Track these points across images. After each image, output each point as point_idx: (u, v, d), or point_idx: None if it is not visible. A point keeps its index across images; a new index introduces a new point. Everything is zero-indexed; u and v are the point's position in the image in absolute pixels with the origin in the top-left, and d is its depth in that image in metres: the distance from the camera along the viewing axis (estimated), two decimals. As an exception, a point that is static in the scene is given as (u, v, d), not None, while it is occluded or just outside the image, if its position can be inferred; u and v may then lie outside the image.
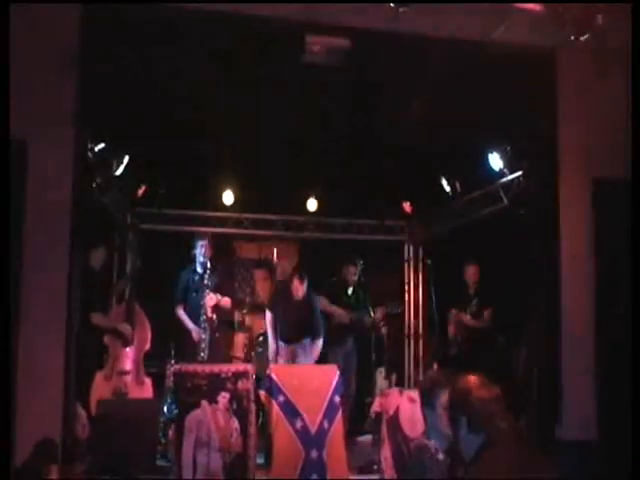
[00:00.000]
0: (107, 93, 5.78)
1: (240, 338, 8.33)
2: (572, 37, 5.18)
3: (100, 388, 6.59)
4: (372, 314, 7.97)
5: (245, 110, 6.91)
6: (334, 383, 6.21)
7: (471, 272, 7.97)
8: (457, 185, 8.46)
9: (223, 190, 9.04)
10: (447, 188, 8.53)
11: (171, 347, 6.84)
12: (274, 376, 6.07)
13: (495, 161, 7.45)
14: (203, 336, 7.21)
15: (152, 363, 7.14)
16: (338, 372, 6.43)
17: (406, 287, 10.06)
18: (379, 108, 6.93)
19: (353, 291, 8.26)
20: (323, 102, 6.84)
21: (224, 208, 9.26)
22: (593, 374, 5.79)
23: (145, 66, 6.02)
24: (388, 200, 9.44)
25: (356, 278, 8.21)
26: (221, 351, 7.57)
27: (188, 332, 7.42)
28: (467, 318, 7.85)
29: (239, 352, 8.14)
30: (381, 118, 7.14)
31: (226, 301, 7.57)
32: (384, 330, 7.96)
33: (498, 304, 7.67)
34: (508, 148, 7.25)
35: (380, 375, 8.22)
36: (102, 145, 6.87)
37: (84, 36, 5.23)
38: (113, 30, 5.38)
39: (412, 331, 9.93)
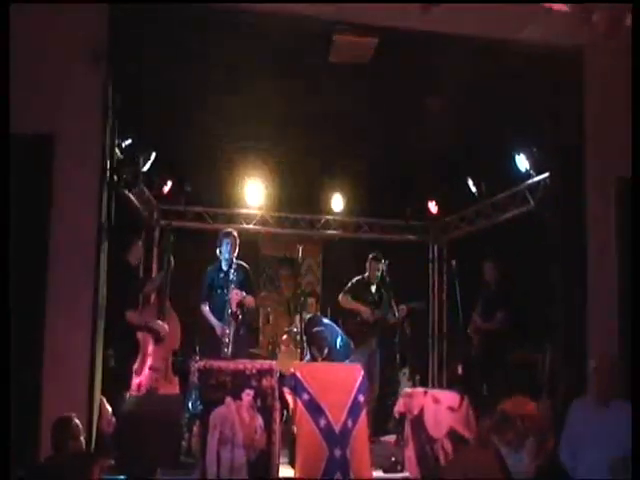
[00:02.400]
0: (135, 89, 5.87)
1: (264, 335, 8.34)
2: (600, 37, 5.11)
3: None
4: (396, 312, 7.91)
5: (272, 108, 6.95)
6: (358, 382, 6.13)
7: (489, 272, 7.90)
8: (483, 186, 8.40)
9: (249, 188, 9.06)
10: (473, 189, 8.48)
11: (196, 343, 6.83)
12: (298, 374, 6.01)
13: (521, 162, 7.40)
14: (227, 331, 7.18)
15: (177, 359, 7.17)
16: (362, 371, 6.37)
17: (430, 287, 10.05)
18: (405, 108, 6.91)
19: (376, 289, 8.22)
20: (349, 101, 6.85)
21: (250, 206, 9.31)
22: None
23: (173, 63, 6.08)
24: (413, 200, 9.48)
25: (379, 276, 8.15)
26: (245, 348, 7.55)
27: (212, 328, 7.39)
28: (478, 320, 7.80)
29: (263, 349, 8.16)
30: (407, 118, 7.13)
31: (250, 300, 7.52)
32: (408, 330, 7.92)
33: (521, 306, 7.60)
34: (534, 149, 7.20)
35: (404, 375, 8.19)
36: (129, 141, 6.90)
37: (113, 32, 5.27)
38: (142, 27, 5.42)
39: (436, 331, 9.92)
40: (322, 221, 9.90)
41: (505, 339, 7.58)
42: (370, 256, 8.22)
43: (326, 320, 7.76)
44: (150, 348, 6.77)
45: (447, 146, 7.60)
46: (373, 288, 8.23)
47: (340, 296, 8.09)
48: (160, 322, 6.82)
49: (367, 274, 8.20)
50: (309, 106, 6.93)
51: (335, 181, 9.04)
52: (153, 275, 8.34)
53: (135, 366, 6.69)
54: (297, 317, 7.80)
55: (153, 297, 7.20)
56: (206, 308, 7.52)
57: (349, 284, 8.18)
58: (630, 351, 5.34)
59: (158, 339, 6.80)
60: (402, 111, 7.01)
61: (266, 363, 6.27)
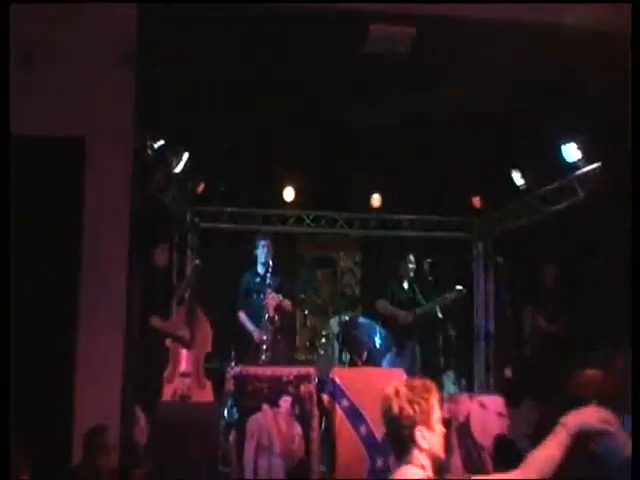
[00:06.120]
0: (166, 89, 5.86)
1: (302, 339, 8.31)
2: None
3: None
4: (437, 307, 7.83)
5: (307, 103, 6.90)
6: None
7: (550, 274, 7.69)
8: (529, 178, 8.24)
9: (284, 187, 9.07)
10: (519, 181, 8.32)
11: (231, 349, 6.88)
12: (337, 379, 6.04)
13: (570, 152, 7.24)
14: (264, 337, 7.20)
15: (213, 365, 7.18)
16: (405, 376, 6.28)
17: (475, 286, 9.90)
18: (446, 98, 6.79)
19: (409, 286, 8.21)
20: (387, 93, 6.71)
21: (285, 205, 9.30)
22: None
23: (203, 61, 6.03)
24: (456, 195, 9.30)
25: (412, 273, 8.15)
26: (283, 353, 7.57)
27: (249, 334, 7.46)
28: (543, 321, 7.58)
29: (301, 353, 8.12)
30: (448, 108, 7.00)
31: (287, 304, 7.58)
32: (452, 332, 7.81)
33: (577, 309, 7.38)
34: (584, 138, 7.03)
35: (448, 379, 8.09)
36: (161, 142, 6.96)
37: (142, 32, 5.26)
38: (172, 26, 5.39)
39: (482, 333, 9.77)
40: (360, 219, 9.82)
41: (568, 345, 7.33)
42: (399, 255, 8.24)
43: (362, 319, 7.75)
44: (180, 354, 6.84)
45: (490, 136, 7.44)
46: (406, 285, 8.20)
47: (377, 303, 8.07)
48: (186, 331, 6.88)
49: (399, 273, 8.22)
50: (346, 100, 6.83)
51: (373, 177, 8.91)
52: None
53: (166, 373, 6.75)
54: (336, 319, 7.74)
55: (183, 301, 7.23)
56: (243, 315, 7.59)
57: (384, 289, 8.17)
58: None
59: (185, 345, 6.85)
60: (442, 102, 6.87)
61: (304, 369, 6.30)
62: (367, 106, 6.93)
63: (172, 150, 7.44)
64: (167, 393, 6.63)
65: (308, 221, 9.67)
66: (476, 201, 9.38)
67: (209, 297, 7.56)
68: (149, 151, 6.75)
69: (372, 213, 9.68)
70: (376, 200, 9.37)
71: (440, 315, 7.83)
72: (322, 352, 7.68)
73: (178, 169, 7.66)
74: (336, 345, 7.52)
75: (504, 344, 8.33)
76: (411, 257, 8.21)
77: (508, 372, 8.06)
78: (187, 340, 6.90)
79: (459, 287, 7.99)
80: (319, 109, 6.99)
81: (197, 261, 7.44)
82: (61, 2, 5.24)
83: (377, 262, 9.59)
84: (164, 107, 6.01)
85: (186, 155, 7.61)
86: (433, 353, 7.90)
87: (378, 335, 7.36)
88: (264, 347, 7.13)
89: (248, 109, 6.94)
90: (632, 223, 4.79)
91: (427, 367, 7.87)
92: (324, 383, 6.22)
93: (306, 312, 8.48)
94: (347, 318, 7.85)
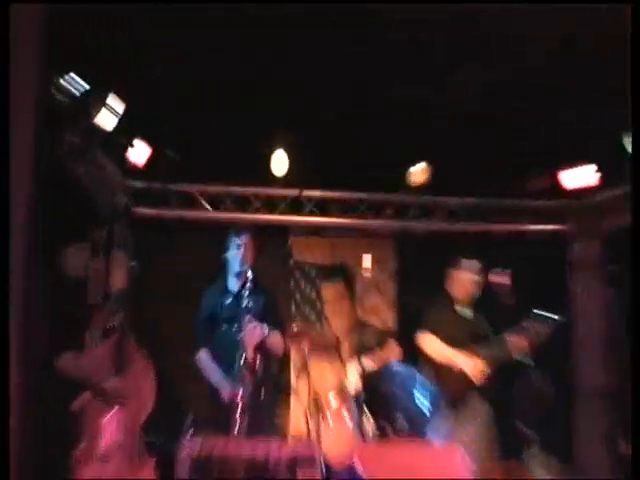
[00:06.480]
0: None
1: (300, 397, 8.13)
2: None
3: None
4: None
5: (304, 34, 6.90)
6: (459, 473, 6.17)
7: None
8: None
9: (271, 152, 8.95)
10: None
11: (187, 411, 6.97)
12: (357, 462, 6.06)
13: None
14: (239, 393, 7.18)
15: (154, 438, 7.10)
16: (464, 454, 6.38)
17: (575, 311, 9.82)
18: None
19: (473, 312, 8.45)
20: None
21: (274, 181, 9.15)
22: None
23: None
24: (542, 169, 9.20)
25: (475, 290, 8.36)
26: (269, 420, 7.69)
27: (214, 388, 7.48)
28: None
29: (298, 421, 7.96)
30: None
31: (276, 339, 7.64)
32: (543, 386, 7.76)
33: None
34: None
35: (533, 459, 7.99)
36: (77, 80, 7.02)
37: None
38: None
39: (588, 385, 9.61)
40: (394, 205, 9.78)
41: None
42: (450, 261, 8.47)
43: (397, 365, 7.73)
44: (102, 419, 6.76)
45: (597, 84, 7.39)
46: (467, 311, 8.31)
47: (420, 336, 8.20)
48: (114, 379, 6.85)
49: (448, 289, 8.46)
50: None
51: (412, 143, 8.76)
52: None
53: (79, 451, 6.69)
54: (355, 366, 7.76)
55: (109, 330, 7.17)
56: (204, 356, 7.71)
57: (428, 313, 8.32)
58: None
59: (113, 403, 6.76)
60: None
61: (303, 445, 6.43)
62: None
63: (95, 93, 7.39)
64: (83, 482, 6.52)
65: (310, 206, 9.63)
66: (573, 178, 9.27)
67: (151, 325, 7.60)
68: (58, 94, 6.83)
69: (412, 195, 9.61)
70: (419, 174, 9.21)
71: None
72: (332, 419, 7.53)
73: (107, 126, 7.59)
74: (355, 406, 7.39)
75: (621, 402, 8.17)
76: (473, 265, 8.24)
77: (623, 446, 8.00)
78: (116, 394, 6.79)
79: (551, 315, 7.91)
80: (326, 38, 6.95)
81: (132, 264, 7.36)
82: (61, 3, 5.24)
83: (419, 273, 9.68)
84: (83, 25, 6.13)
85: (120, 106, 7.58)
86: (509, 417, 7.85)
87: (421, 389, 7.27)
88: (239, 409, 7.11)
89: (216, 37, 6.96)
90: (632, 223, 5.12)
91: (501, 440, 8.02)
92: (335, 470, 6.31)
93: (306, 351, 8.36)
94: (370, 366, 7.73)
